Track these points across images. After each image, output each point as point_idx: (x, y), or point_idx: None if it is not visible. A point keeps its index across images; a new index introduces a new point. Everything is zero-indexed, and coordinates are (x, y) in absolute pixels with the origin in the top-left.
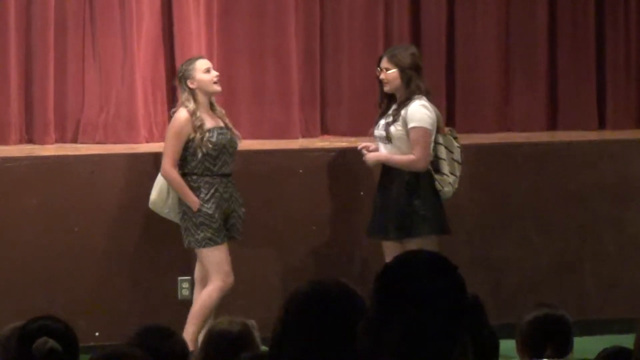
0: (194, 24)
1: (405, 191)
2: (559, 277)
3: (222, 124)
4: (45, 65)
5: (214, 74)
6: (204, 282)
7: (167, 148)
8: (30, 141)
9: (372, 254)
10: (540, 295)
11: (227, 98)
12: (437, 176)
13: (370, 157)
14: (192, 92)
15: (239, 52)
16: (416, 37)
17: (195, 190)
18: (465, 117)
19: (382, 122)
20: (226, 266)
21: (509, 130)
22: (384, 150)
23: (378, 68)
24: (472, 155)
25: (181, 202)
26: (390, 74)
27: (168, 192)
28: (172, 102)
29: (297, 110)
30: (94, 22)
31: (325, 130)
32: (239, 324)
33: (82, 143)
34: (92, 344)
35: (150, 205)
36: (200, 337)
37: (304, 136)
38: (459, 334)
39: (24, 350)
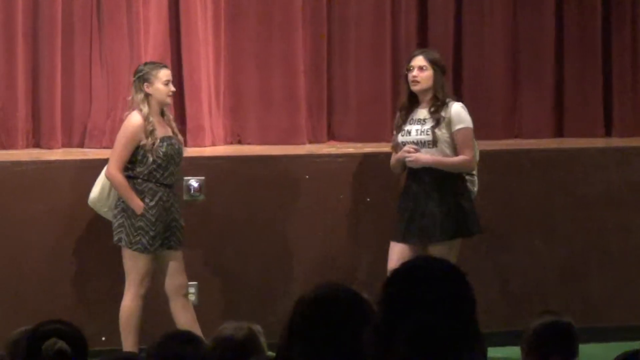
0: (201, 30)
1: (448, 193)
2: (565, 283)
3: (170, 133)
4: (53, 70)
5: (172, 88)
6: (180, 292)
7: (116, 151)
8: (37, 145)
9: (378, 259)
10: (546, 301)
11: (234, 103)
12: (467, 177)
13: (421, 158)
14: (146, 95)
15: (246, 58)
16: (423, 45)
17: (140, 194)
18: (473, 124)
19: (417, 127)
20: (142, 276)
21: (516, 137)
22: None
23: (409, 66)
24: (480, 162)
25: (119, 200)
26: (425, 72)
27: (110, 191)
28: (179, 107)
29: (304, 115)
30: (101, 27)
31: (332, 136)
32: (245, 329)
33: (89, 148)
34: (98, 348)
35: (90, 203)
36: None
37: (310, 142)
38: (468, 340)
39: (34, 352)
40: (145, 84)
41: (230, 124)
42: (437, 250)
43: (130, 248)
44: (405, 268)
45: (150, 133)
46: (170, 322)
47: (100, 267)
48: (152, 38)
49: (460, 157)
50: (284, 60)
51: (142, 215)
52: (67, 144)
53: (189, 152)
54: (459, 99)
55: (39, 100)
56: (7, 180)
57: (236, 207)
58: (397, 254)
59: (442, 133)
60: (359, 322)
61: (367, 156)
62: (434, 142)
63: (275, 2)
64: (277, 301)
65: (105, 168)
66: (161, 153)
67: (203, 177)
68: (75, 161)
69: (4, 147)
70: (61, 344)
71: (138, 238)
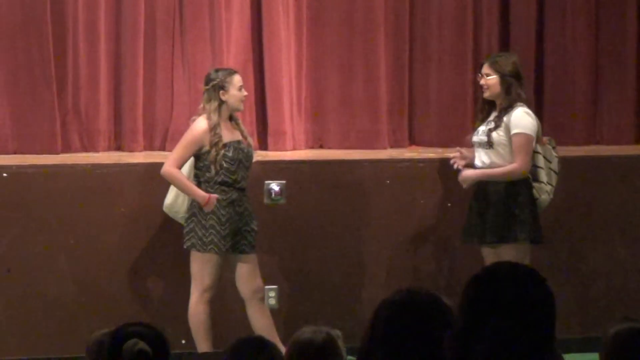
0: (283, 34)
1: (504, 197)
2: None
3: (239, 137)
4: (135, 73)
5: (244, 93)
6: (256, 295)
7: (175, 151)
8: (118, 148)
9: (459, 264)
10: (627, 308)
11: (316, 107)
12: (535, 184)
13: (467, 175)
14: (220, 103)
15: (328, 62)
16: (505, 49)
17: (212, 193)
18: (553, 130)
19: (483, 128)
20: (209, 280)
21: (597, 143)
22: (483, 157)
23: (479, 74)
24: (560, 168)
25: (192, 204)
26: (490, 79)
27: (184, 197)
28: (261, 111)
29: (385, 120)
30: (183, 31)
31: (413, 141)
32: (323, 334)
33: (170, 150)
34: (178, 351)
35: (165, 209)
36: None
37: (392, 146)
38: (548, 345)
39: (115, 353)
40: (221, 91)
41: (311, 128)
42: (488, 252)
43: (204, 251)
44: (486, 273)
45: (215, 144)
46: (246, 326)
47: (180, 270)
48: (234, 42)
49: (508, 167)
50: (366, 65)
51: (213, 213)
52: (149, 146)
53: (271, 156)
54: (533, 104)
55: (121, 103)
56: (88, 183)
57: (317, 211)
58: (485, 257)
59: (499, 136)
60: (439, 326)
61: (448, 161)
62: (490, 144)
63: (357, 6)
64: (356, 306)
65: (192, 175)
66: (227, 158)
67: (284, 181)
68: (156, 164)
69: (85, 150)
70: (142, 345)
71: (210, 238)
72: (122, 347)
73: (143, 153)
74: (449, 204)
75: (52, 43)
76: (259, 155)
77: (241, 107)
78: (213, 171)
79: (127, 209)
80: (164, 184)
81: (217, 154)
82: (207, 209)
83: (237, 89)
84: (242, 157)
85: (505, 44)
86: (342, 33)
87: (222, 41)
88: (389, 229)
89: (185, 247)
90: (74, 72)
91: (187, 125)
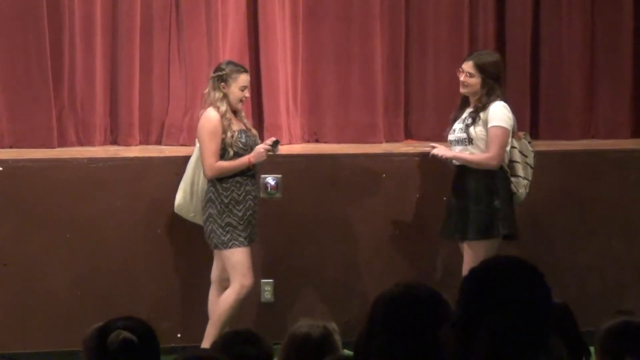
0: (279, 28)
1: (484, 192)
2: None
3: (244, 127)
4: (131, 67)
5: (246, 94)
6: (222, 284)
7: (205, 151)
8: (114, 142)
9: (454, 258)
10: (623, 302)
11: (312, 101)
12: (512, 179)
13: (439, 153)
14: (225, 95)
15: (324, 56)
16: (501, 43)
17: (227, 190)
18: (549, 124)
19: (459, 125)
20: (246, 269)
21: (593, 137)
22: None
23: (459, 68)
24: (556, 162)
25: (206, 205)
26: (472, 79)
27: (192, 195)
28: (257, 105)
29: (381, 114)
30: (180, 25)
31: (409, 135)
32: (320, 328)
33: (166, 145)
34: (173, 345)
35: (176, 210)
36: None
37: (387, 140)
38: (544, 340)
39: (102, 348)
40: (222, 84)
41: (307, 123)
42: (470, 248)
43: (228, 248)
44: (484, 267)
45: (228, 127)
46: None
47: (176, 265)
48: (230, 36)
49: (482, 155)
50: (362, 59)
51: (229, 210)
52: (145, 141)
53: None
54: (529, 97)
55: (117, 97)
56: (84, 177)
57: (312, 205)
58: (465, 253)
59: (478, 131)
60: (437, 320)
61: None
62: (469, 140)
63: (353, 1)
64: (352, 300)
65: (201, 174)
66: (240, 144)
67: (280, 175)
68: (152, 158)
69: (81, 144)
70: (125, 334)
71: (229, 236)
72: (107, 341)
73: (139, 147)
74: (445, 198)
75: (48, 37)
76: None
77: (239, 106)
78: (231, 153)
79: (123, 203)
80: (161, 177)
81: (232, 136)
82: (259, 159)
83: (238, 88)
84: (251, 144)
85: (501, 39)
86: (338, 27)
87: (218, 35)
88: (385, 223)
89: (211, 248)
90: (70, 67)
91: (182, 120)
